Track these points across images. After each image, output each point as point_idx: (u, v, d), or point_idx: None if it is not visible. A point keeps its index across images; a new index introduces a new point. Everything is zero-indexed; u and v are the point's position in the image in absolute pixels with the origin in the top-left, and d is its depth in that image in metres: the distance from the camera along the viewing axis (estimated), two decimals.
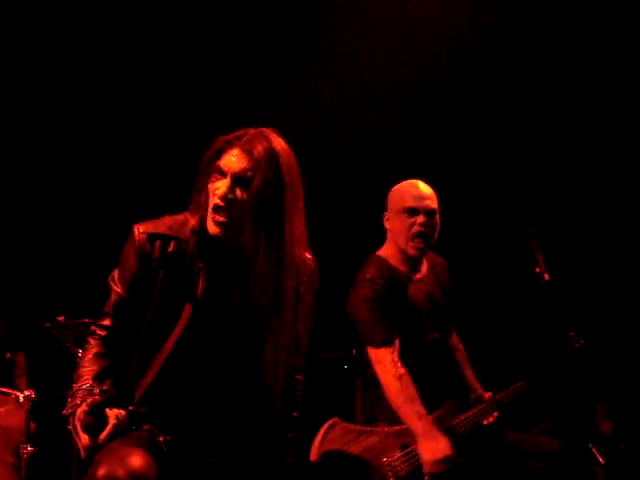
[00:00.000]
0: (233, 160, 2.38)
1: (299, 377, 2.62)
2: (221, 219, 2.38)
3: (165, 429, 2.44)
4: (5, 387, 3.99)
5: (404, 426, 3.28)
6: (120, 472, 2.18)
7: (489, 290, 5.20)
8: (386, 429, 3.35)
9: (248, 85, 5.18)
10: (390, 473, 3.27)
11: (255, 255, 2.39)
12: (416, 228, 3.37)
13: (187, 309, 2.44)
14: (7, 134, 4.98)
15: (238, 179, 2.37)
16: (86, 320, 4.27)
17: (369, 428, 3.40)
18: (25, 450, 3.79)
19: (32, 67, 5.02)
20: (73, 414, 2.38)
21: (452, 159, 5.31)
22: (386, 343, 3.28)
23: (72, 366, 4.21)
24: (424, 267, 3.56)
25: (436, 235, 3.46)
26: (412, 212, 3.36)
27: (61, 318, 4.31)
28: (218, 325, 2.48)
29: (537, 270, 3.22)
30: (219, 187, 2.38)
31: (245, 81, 5.20)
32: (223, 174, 2.39)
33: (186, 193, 2.54)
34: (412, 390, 3.23)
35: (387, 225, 3.52)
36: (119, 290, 2.50)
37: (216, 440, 2.48)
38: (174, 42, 5.14)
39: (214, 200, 2.38)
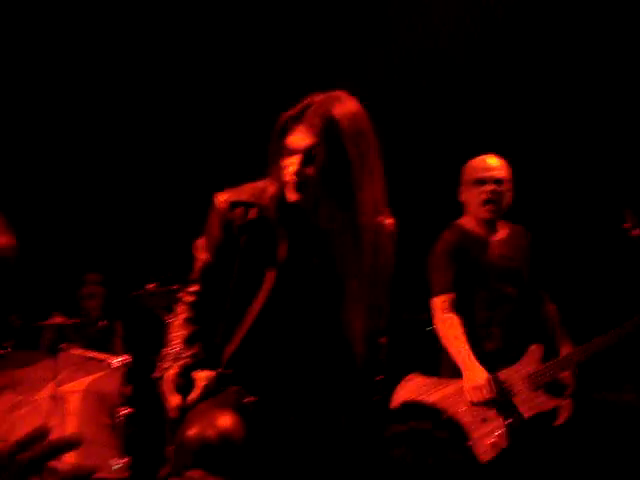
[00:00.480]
0: (298, 138, 2.40)
1: (382, 340, 2.65)
2: (295, 195, 2.42)
3: (251, 390, 2.51)
4: (102, 353, 4.15)
5: None
6: (210, 432, 2.25)
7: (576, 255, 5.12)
8: (461, 381, 3.47)
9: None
10: (469, 420, 3.42)
11: (331, 225, 2.42)
12: (484, 196, 3.62)
13: (270, 274, 2.49)
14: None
15: (306, 156, 2.39)
16: (175, 287, 4.38)
17: (445, 380, 3.54)
18: (121, 412, 3.94)
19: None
20: (163, 377, 2.46)
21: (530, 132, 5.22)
22: (440, 292, 3.59)
23: (163, 332, 4.38)
24: (503, 231, 3.75)
25: (507, 201, 3.67)
26: (481, 182, 3.63)
27: (151, 286, 4.41)
28: (300, 289, 2.52)
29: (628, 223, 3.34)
30: (289, 165, 2.41)
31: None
32: (291, 152, 2.41)
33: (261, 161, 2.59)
34: (456, 330, 3.52)
35: (462, 198, 3.75)
36: (205, 258, 2.58)
37: (300, 400, 2.53)
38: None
39: (286, 177, 2.42)
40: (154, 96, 5.24)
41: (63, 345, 4.13)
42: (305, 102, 2.44)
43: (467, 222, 3.71)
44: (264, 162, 2.57)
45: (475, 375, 3.44)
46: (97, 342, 4.49)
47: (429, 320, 3.68)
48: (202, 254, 2.58)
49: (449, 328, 3.54)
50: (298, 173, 2.39)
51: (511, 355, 3.50)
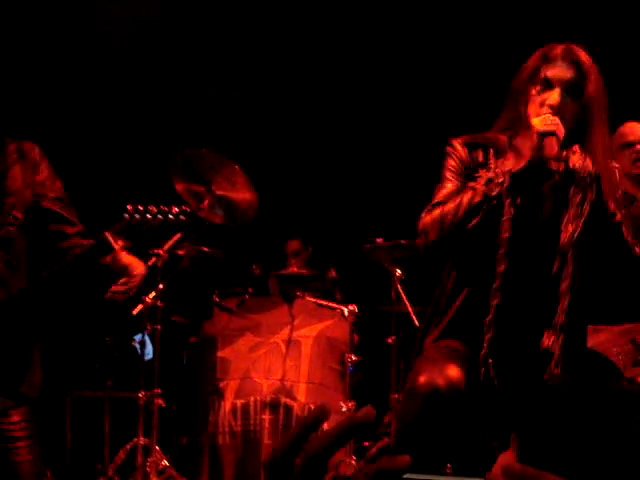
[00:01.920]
0: (563, 70, 2.45)
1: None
2: (553, 127, 2.41)
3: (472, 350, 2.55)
4: (333, 302, 4.39)
5: (632, 325, 3.36)
6: (440, 380, 2.35)
7: None
8: (615, 328, 3.42)
9: None
10: (621, 362, 3.36)
11: (597, 156, 2.47)
12: (635, 155, 3.79)
13: (506, 223, 2.50)
14: None
15: (570, 87, 2.44)
16: (402, 242, 4.51)
17: (600, 327, 3.51)
18: (349, 359, 4.17)
19: None
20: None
21: None
22: None
23: (389, 284, 4.55)
24: None
25: None
26: (630, 145, 3.82)
27: (380, 240, 4.57)
28: (533, 235, 2.53)
29: None
30: (550, 97, 2.42)
31: None
32: (550, 85, 2.44)
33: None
34: None
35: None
36: (453, 186, 2.55)
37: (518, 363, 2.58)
38: None
39: (543, 110, 2.43)
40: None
41: (299, 292, 4.41)
42: (551, 46, 2.50)
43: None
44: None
45: None
46: (326, 292, 4.74)
47: None
48: (448, 184, 2.57)
49: None
50: (558, 105, 2.42)
51: None
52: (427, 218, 2.53)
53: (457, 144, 2.59)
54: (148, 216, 2.71)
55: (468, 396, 2.43)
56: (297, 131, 5.49)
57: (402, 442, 2.46)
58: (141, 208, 2.71)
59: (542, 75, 2.46)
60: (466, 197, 2.47)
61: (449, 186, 2.55)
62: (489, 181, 2.45)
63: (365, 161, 5.46)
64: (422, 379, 2.37)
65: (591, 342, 3.50)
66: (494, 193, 2.43)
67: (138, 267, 2.85)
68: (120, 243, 2.71)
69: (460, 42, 5.22)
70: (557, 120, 2.41)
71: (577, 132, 2.48)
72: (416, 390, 2.37)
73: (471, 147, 2.57)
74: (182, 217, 2.77)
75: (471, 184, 2.48)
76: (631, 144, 3.85)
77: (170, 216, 2.75)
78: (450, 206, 2.49)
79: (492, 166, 2.51)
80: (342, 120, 5.47)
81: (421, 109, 5.35)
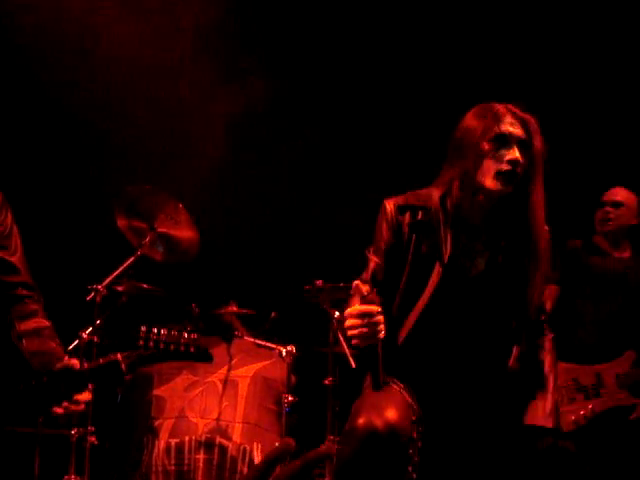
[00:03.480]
0: (515, 126, 2.55)
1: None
2: (508, 185, 2.52)
3: (414, 390, 2.59)
4: (272, 342, 4.40)
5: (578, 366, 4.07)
6: (378, 422, 2.38)
7: None
8: (562, 365, 3.98)
9: None
10: (560, 395, 4.00)
11: (536, 212, 2.57)
12: (602, 215, 4.41)
13: (436, 273, 2.60)
14: None
15: (521, 143, 2.54)
16: (341, 284, 4.56)
17: None
18: (286, 400, 4.17)
19: None
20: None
21: None
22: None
23: (327, 326, 4.58)
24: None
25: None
26: (601, 204, 4.38)
27: (319, 282, 4.60)
28: (463, 290, 2.61)
29: None
30: (509, 152, 2.51)
31: None
32: (505, 141, 2.53)
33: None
34: None
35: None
36: (376, 259, 2.67)
37: (460, 408, 2.62)
38: None
39: (502, 166, 2.51)
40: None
41: (237, 332, 4.41)
42: (493, 104, 2.61)
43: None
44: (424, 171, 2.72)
45: None
46: (267, 332, 4.74)
47: None
48: (374, 257, 2.69)
49: None
50: (516, 160, 2.51)
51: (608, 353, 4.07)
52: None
53: (388, 206, 2.68)
54: (161, 345, 2.60)
55: (407, 438, 2.46)
56: (241, 169, 5.51)
57: None
58: (154, 331, 2.60)
59: (495, 132, 2.53)
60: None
61: (374, 260, 2.64)
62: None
63: (305, 203, 5.51)
64: (361, 421, 2.40)
65: None
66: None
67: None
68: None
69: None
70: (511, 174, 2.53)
71: (518, 187, 2.56)
72: (354, 432, 2.40)
73: (401, 210, 2.66)
74: (192, 349, 2.71)
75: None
76: (602, 204, 4.32)
77: (182, 347, 2.67)
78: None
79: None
80: (280, 162, 5.51)
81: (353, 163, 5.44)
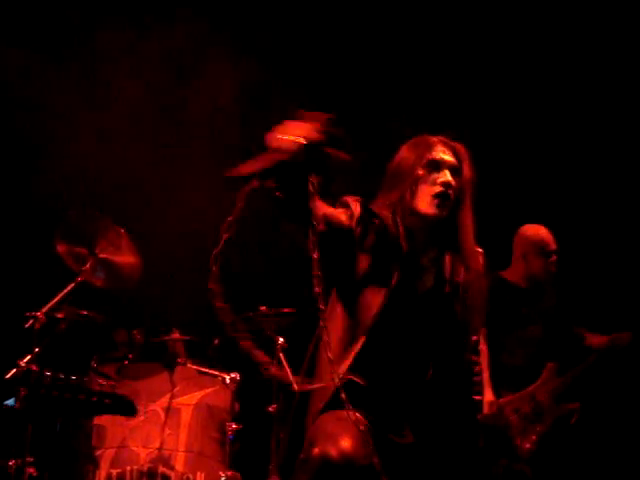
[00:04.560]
0: (446, 153, 2.69)
1: (474, 357, 2.79)
2: (443, 209, 2.63)
3: (367, 405, 2.58)
4: (215, 369, 4.36)
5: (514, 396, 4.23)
6: (333, 452, 2.37)
7: None
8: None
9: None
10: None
11: (467, 235, 2.69)
12: (551, 264, 4.48)
13: (385, 291, 2.61)
14: None
15: (452, 169, 2.67)
16: (285, 310, 4.56)
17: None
18: (230, 427, 4.13)
19: None
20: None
21: None
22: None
23: (273, 352, 4.56)
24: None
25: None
26: (548, 254, 4.46)
27: (263, 308, 4.59)
28: (412, 307, 2.65)
29: None
30: (440, 177, 2.64)
31: None
32: (438, 166, 2.66)
33: None
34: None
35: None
36: (355, 211, 2.66)
37: (411, 419, 2.63)
38: None
39: (435, 189, 2.63)
40: None
41: (180, 359, 4.36)
42: (425, 136, 2.75)
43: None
44: None
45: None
46: (211, 359, 4.70)
47: None
48: (354, 206, 2.65)
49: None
50: (449, 183, 2.64)
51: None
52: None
53: (356, 200, 2.68)
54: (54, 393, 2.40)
55: (363, 466, 2.45)
56: (178, 193, 5.47)
57: None
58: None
59: (428, 158, 2.67)
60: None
61: (354, 211, 2.64)
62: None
63: (249, 229, 5.47)
64: (316, 450, 2.39)
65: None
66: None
67: None
68: None
69: None
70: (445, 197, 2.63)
71: (451, 212, 2.68)
72: (310, 461, 2.39)
73: (367, 208, 2.67)
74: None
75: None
76: (549, 253, 4.42)
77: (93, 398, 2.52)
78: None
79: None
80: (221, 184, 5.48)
81: None
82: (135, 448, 3.98)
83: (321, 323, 2.47)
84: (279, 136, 2.26)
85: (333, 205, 2.66)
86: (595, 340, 4.51)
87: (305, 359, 2.76)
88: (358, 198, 2.71)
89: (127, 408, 3.86)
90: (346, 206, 2.66)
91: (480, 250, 2.81)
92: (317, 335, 2.71)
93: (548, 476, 4.24)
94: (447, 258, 2.71)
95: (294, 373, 4.48)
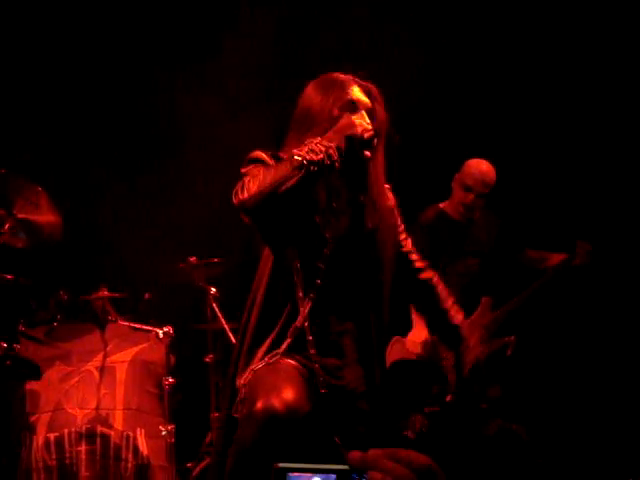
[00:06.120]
0: (362, 95, 2.65)
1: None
2: (370, 149, 2.61)
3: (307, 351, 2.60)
4: (148, 324, 4.29)
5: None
6: (277, 404, 2.36)
7: None
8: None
9: None
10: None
11: (378, 173, 2.71)
12: (469, 202, 4.36)
13: (307, 231, 2.63)
14: None
15: (368, 111, 2.63)
16: (215, 260, 4.51)
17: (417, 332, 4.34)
18: (166, 382, 4.08)
19: None
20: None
21: None
22: None
23: (204, 304, 4.52)
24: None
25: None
26: (468, 189, 4.34)
27: (193, 259, 4.53)
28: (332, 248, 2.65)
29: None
30: (359, 117, 2.59)
31: None
32: (355, 108, 2.61)
33: None
34: None
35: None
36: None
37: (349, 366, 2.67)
38: None
39: (359, 130, 2.56)
40: None
41: (111, 317, 4.27)
42: (336, 74, 2.71)
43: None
44: None
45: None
46: (142, 314, 4.63)
47: None
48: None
49: None
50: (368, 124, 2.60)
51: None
52: (248, 176, 2.56)
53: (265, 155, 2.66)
54: None
55: (307, 414, 2.47)
56: (103, 147, 5.30)
57: (240, 467, 2.43)
58: None
59: (344, 99, 2.62)
60: (288, 161, 2.52)
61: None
62: (310, 150, 2.50)
63: (182, 181, 5.37)
64: (259, 404, 2.38)
65: (418, 348, 4.33)
66: (316, 158, 2.48)
67: None
68: None
69: None
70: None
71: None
72: (254, 415, 2.37)
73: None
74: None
75: (294, 151, 2.52)
76: (469, 188, 4.31)
77: None
78: (272, 167, 2.56)
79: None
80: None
81: None
82: (71, 410, 3.90)
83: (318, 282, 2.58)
84: (359, 120, 2.56)
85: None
86: (555, 259, 4.44)
87: (244, 311, 2.73)
88: (268, 152, 2.68)
89: (31, 371, 3.81)
90: (261, 162, 2.61)
91: (387, 186, 2.81)
92: (254, 289, 2.70)
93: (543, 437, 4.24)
94: (362, 199, 2.69)
95: (228, 322, 4.46)
